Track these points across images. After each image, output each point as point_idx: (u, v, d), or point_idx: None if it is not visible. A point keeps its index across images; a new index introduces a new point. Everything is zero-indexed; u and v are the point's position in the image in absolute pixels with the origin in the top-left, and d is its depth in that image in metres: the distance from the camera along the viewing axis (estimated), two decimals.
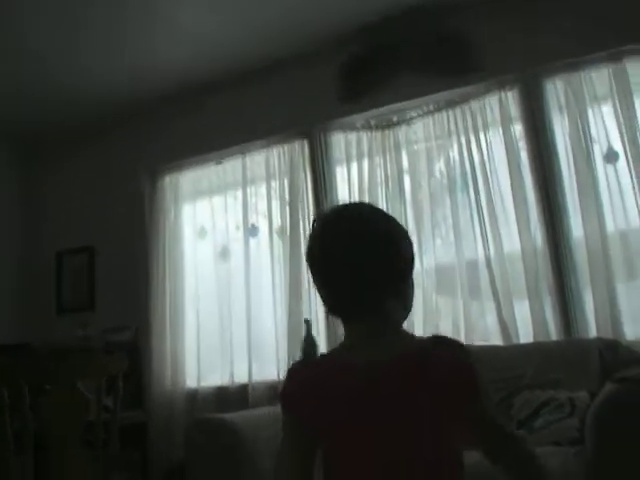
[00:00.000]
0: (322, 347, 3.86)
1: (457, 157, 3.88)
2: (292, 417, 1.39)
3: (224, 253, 4.48)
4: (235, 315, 4.31)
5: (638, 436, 2.03)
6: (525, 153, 3.73)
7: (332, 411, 1.32)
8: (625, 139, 3.44)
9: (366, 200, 3.92)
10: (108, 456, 2.78)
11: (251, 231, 4.40)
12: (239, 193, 4.50)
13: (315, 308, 4.02)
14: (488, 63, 3.72)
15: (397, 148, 4.06)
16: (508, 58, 3.71)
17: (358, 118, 4.17)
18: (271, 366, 4.12)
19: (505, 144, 3.75)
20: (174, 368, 4.36)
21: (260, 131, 4.39)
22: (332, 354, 1.46)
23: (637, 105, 3.47)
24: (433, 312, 3.75)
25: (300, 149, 4.33)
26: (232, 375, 4.24)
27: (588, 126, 3.56)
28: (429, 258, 3.79)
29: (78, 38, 3.96)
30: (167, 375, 4.35)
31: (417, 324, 3.62)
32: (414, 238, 3.36)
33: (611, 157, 3.49)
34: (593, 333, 3.36)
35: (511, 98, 3.80)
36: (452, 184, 3.90)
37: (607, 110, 3.54)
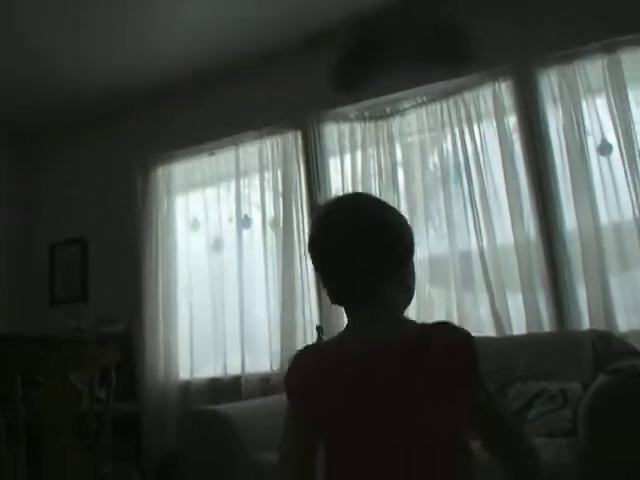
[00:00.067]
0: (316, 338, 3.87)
1: (450, 149, 3.88)
2: (294, 404, 1.41)
3: (217, 245, 4.47)
4: (228, 307, 4.31)
5: (630, 427, 2.03)
6: (519, 145, 3.72)
7: (327, 398, 1.33)
8: (619, 131, 3.44)
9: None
10: (101, 447, 2.77)
11: (244, 223, 4.39)
12: (232, 184, 4.49)
13: (308, 299, 4.03)
14: (482, 54, 3.71)
15: (390, 139, 4.05)
16: (502, 49, 3.70)
17: (351, 109, 4.16)
18: (264, 358, 4.12)
19: (499, 136, 3.75)
20: (167, 360, 4.36)
21: (253, 122, 4.38)
22: (332, 341, 1.47)
23: (631, 97, 3.46)
24: (426, 303, 3.75)
25: (293, 140, 4.32)
26: (225, 367, 4.24)
27: (582, 118, 3.55)
28: (422, 249, 3.78)
29: (73, 34, 3.96)
30: (160, 367, 4.35)
31: (410, 315, 3.61)
32: None
33: (605, 149, 3.49)
34: (586, 325, 3.37)
35: (505, 89, 3.79)
36: (445, 176, 3.89)
37: (601, 102, 3.53)
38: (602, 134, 3.50)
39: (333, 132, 4.24)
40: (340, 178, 4.15)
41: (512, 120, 3.77)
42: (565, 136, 3.57)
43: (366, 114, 4.13)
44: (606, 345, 2.90)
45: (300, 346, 3.88)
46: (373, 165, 4.06)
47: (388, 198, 3.91)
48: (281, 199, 4.26)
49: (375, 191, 3.98)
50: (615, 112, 3.47)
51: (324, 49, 4.09)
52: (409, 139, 4.04)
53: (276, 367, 4.01)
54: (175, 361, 4.36)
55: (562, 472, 2.09)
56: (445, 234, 3.80)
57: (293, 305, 4.05)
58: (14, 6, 3.59)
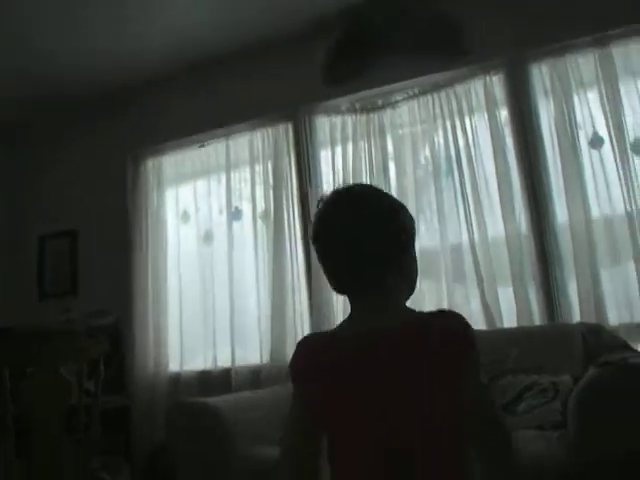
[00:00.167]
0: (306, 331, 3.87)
1: (442, 142, 3.87)
2: (297, 389, 1.42)
3: (207, 237, 4.45)
4: (218, 299, 4.29)
5: (620, 420, 2.04)
6: (510, 138, 3.72)
7: (328, 385, 1.35)
8: (610, 124, 3.44)
9: None
10: (90, 440, 2.76)
11: (234, 215, 4.37)
12: (222, 177, 4.47)
13: (299, 291, 4.03)
14: (474, 47, 3.70)
15: (382, 132, 4.04)
16: (494, 42, 3.69)
17: (343, 101, 4.14)
18: (254, 350, 4.11)
19: (490, 129, 3.74)
20: (157, 352, 4.34)
21: (244, 114, 4.36)
22: (336, 329, 1.48)
23: (622, 90, 3.46)
24: (417, 296, 3.73)
25: (284, 132, 4.30)
26: (215, 359, 4.23)
27: (573, 111, 3.55)
28: None
29: (61, 23, 3.90)
30: (150, 359, 4.34)
31: None
32: None
33: (596, 143, 3.49)
34: (577, 318, 3.37)
35: (496, 82, 3.79)
36: (437, 169, 3.88)
37: (592, 96, 3.53)
38: (593, 127, 3.50)
39: (324, 124, 4.22)
40: (331, 171, 4.13)
41: (504, 113, 3.76)
42: (557, 129, 3.57)
43: (357, 106, 4.12)
44: (596, 338, 2.90)
45: (291, 339, 3.93)
46: (364, 158, 4.05)
47: None
48: (272, 191, 4.24)
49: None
50: (606, 105, 3.47)
51: (316, 41, 4.06)
52: (400, 132, 4.03)
53: (266, 360, 4.01)
54: (165, 353, 4.34)
55: (552, 464, 2.09)
56: (436, 227, 3.79)
57: (283, 298, 4.03)
58: None
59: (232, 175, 4.43)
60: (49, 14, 3.80)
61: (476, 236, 3.67)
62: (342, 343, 1.38)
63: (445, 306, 3.67)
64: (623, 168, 3.36)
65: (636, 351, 2.82)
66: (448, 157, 3.85)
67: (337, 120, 4.17)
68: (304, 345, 1.44)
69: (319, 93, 4.13)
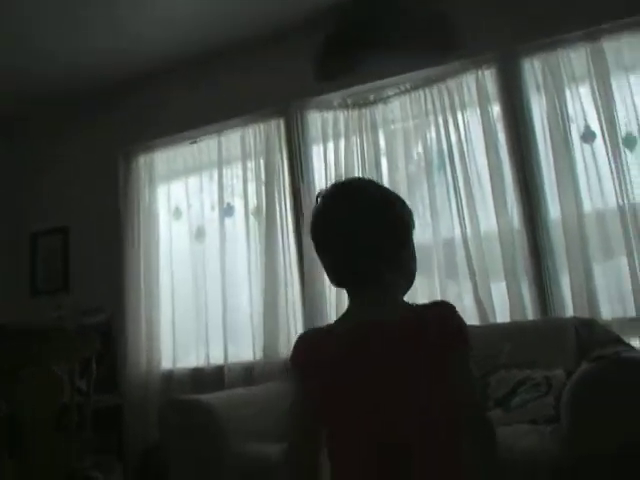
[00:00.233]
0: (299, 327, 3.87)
1: (434, 137, 3.86)
2: (298, 386, 1.43)
3: (199, 233, 4.44)
4: (211, 296, 4.27)
5: (613, 414, 2.04)
6: (502, 132, 3.71)
7: (325, 379, 1.36)
8: (602, 119, 3.44)
9: None
10: (82, 439, 2.75)
11: (226, 211, 4.36)
12: (214, 173, 4.45)
13: (291, 287, 4.02)
14: (465, 41, 3.69)
15: (374, 127, 4.03)
16: (486, 37, 3.69)
17: (335, 96, 4.13)
18: (247, 347, 4.09)
19: (482, 123, 3.73)
20: (149, 349, 4.32)
21: (236, 110, 4.34)
22: (334, 323, 1.49)
23: (614, 85, 3.46)
24: (410, 292, 3.73)
25: (276, 128, 4.29)
26: (208, 356, 4.22)
27: (565, 106, 3.55)
28: None
29: (51, 20, 3.88)
30: (142, 357, 4.32)
31: None
32: None
33: (588, 137, 3.49)
34: (570, 313, 3.37)
35: (488, 77, 3.78)
36: (429, 164, 3.88)
37: (584, 90, 3.53)
38: (585, 122, 3.50)
39: (316, 120, 4.21)
40: (323, 166, 4.12)
41: (496, 108, 3.76)
42: (549, 124, 3.57)
43: (349, 102, 4.11)
44: (589, 332, 2.90)
45: (283, 335, 3.93)
46: (356, 153, 4.04)
47: None
48: (264, 187, 4.23)
49: None
50: (598, 100, 3.47)
51: (307, 37, 4.05)
52: (392, 127, 4.02)
53: (259, 356, 4.00)
54: (157, 351, 4.32)
55: (545, 458, 2.09)
56: (429, 222, 3.78)
57: (276, 294, 4.02)
58: None
59: (224, 171, 4.42)
60: (47, 12, 3.77)
61: (469, 231, 3.66)
62: (339, 338, 1.38)
63: None
64: (615, 162, 3.36)
65: (629, 345, 2.82)
66: (440, 152, 3.84)
67: (329, 115, 4.15)
68: (303, 340, 1.45)
69: (311, 89, 4.12)
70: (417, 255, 1.56)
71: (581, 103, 3.53)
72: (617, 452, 1.97)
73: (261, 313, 4.05)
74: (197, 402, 2.90)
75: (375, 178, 3.91)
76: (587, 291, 3.35)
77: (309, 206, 4.02)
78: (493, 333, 3.17)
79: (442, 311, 1.36)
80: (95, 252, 4.71)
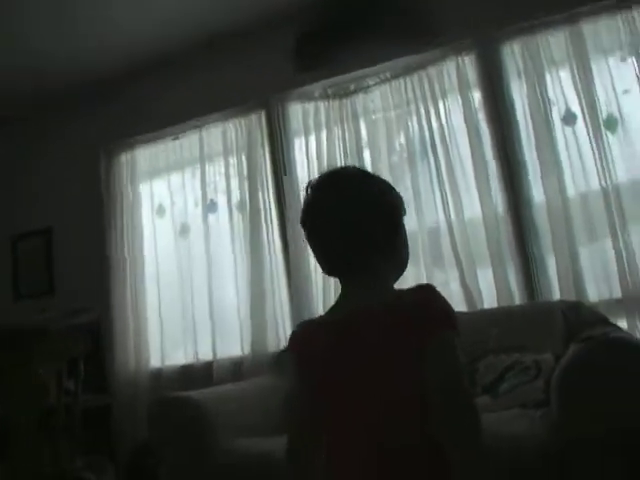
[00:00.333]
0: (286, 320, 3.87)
1: (416, 125, 3.85)
2: (294, 378, 1.45)
3: (184, 230, 4.41)
4: (197, 292, 4.26)
5: (603, 397, 2.03)
6: (484, 118, 3.71)
7: (317, 367, 1.37)
8: (583, 102, 3.44)
9: None
10: (72, 439, 2.73)
11: (210, 207, 4.33)
12: (197, 170, 4.43)
13: (277, 281, 4.01)
14: (444, 28, 3.68)
15: (355, 117, 4.02)
16: (464, 22, 3.67)
17: (316, 87, 4.11)
18: (235, 342, 4.08)
19: (463, 110, 3.73)
20: (137, 348, 4.30)
21: (217, 104, 4.32)
22: (327, 312, 1.48)
23: (594, 67, 3.46)
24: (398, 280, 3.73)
25: (257, 121, 4.27)
26: (196, 353, 4.20)
27: (546, 89, 3.55)
28: None
29: (34, 13, 3.83)
30: (130, 355, 4.29)
31: None
32: None
33: (569, 119, 3.49)
34: (557, 296, 3.38)
35: (468, 63, 3.77)
36: (412, 153, 3.87)
37: (564, 73, 3.53)
38: (566, 104, 3.50)
39: (297, 111, 4.19)
40: (306, 158, 4.10)
41: (477, 94, 3.75)
42: (530, 107, 3.57)
43: (330, 92, 4.09)
44: (576, 315, 2.90)
45: (271, 329, 3.92)
46: (338, 144, 4.02)
47: None
48: (246, 181, 4.21)
49: None
50: (578, 83, 3.47)
51: (286, 28, 4.03)
52: (374, 116, 4.00)
53: (247, 351, 3.98)
54: (146, 349, 4.30)
55: (535, 443, 2.09)
56: (413, 211, 3.77)
57: (262, 287, 4.01)
58: None
59: (207, 168, 4.39)
60: (30, 11, 3.73)
61: (453, 218, 3.66)
62: (330, 327, 1.39)
63: None
64: (596, 143, 3.37)
65: (615, 326, 2.82)
66: (422, 140, 3.83)
67: (310, 107, 4.13)
68: (296, 333, 1.49)
69: (291, 80, 4.10)
70: None
71: (561, 86, 3.53)
72: (605, 434, 1.96)
73: (248, 307, 4.04)
74: (186, 399, 2.88)
75: None
76: (573, 274, 3.36)
77: (293, 198, 4.01)
78: (481, 319, 3.16)
79: (427, 294, 1.36)
80: (79, 252, 4.67)
